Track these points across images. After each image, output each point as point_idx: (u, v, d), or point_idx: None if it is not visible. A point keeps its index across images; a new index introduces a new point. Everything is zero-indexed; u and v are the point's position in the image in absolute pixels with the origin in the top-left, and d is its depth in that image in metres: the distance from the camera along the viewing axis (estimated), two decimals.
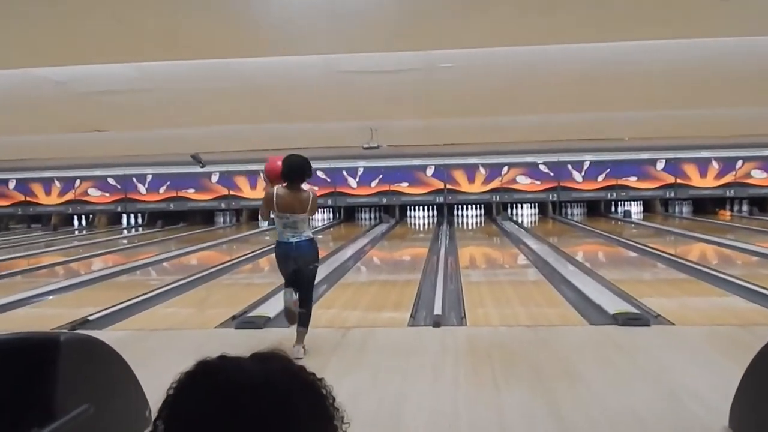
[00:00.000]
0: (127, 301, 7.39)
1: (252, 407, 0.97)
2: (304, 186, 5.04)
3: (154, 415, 1.03)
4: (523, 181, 19.03)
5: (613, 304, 6.50)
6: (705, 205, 19.04)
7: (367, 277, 9.62)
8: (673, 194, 18.87)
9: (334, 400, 1.06)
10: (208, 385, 0.99)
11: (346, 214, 19.81)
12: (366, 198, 19.35)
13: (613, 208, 19.72)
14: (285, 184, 5.01)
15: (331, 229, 18.12)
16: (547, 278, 8.48)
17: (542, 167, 18.96)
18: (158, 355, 4.99)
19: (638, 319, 5.90)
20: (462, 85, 7.76)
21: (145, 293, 7.89)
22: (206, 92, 7.93)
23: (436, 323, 5.98)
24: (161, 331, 6.03)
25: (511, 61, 6.92)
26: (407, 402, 3.99)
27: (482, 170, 19.06)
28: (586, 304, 6.79)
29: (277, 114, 9.58)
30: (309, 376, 1.06)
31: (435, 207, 19.63)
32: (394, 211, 19.53)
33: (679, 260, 9.76)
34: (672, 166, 18.71)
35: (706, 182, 18.70)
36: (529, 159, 18.85)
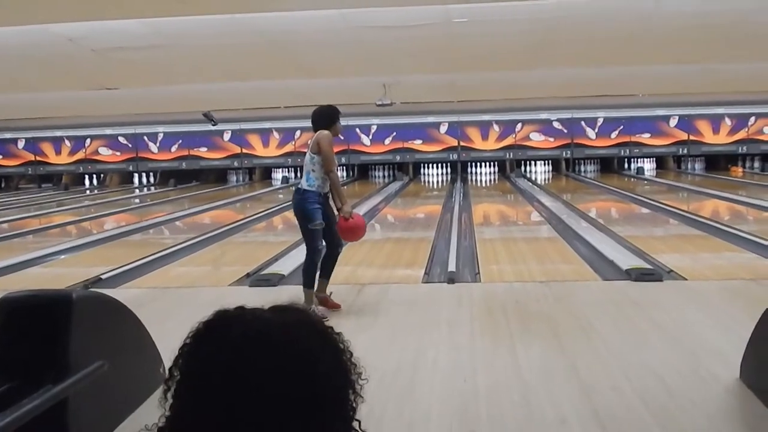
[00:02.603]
0: (140, 259, 7.41)
1: (271, 355, 0.95)
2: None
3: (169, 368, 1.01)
4: (537, 138, 18.86)
5: (627, 260, 6.47)
6: (717, 162, 18.84)
7: (382, 235, 9.62)
8: (685, 151, 18.66)
9: (351, 355, 1.04)
10: (226, 333, 0.97)
11: (360, 171, 19.76)
12: (379, 156, 19.26)
13: (626, 165, 19.55)
14: None
15: (345, 187, 18.06)
16: (561, 235, 8.45)
17: (556, 124, 18.75)
18: (172, 313, 5.01)
19: (651, 274, 5.87)
20: (480, 40, 7.60)
21: (159, 252, 7.91)
22: (219, 48, 7.82)
23: (451, 279, 5.97)
24: (174, 289, 6.05)
25: (529, 16, 6.75)
26: (423, 358, 3.98)
27: (496, 127, 18.88)
28: (600, 259, 6.77)
29: (291, 69, 9.45)
30: (327, 329, 1.04)
31: (449, 164, 19.54)
32: (407, 168, 19.46)
33: (692, 216, 9.69)
34: (685, 122, 18.45)
35: (718, 139, 18.46)
36: (543, 116, 18.64)
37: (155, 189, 19.47)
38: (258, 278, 6.26)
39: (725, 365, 3.60)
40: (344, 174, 19.85)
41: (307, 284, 5.02)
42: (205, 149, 19.75)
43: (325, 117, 4.93)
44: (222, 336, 0.97)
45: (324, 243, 4.99)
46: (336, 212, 5.02)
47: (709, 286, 5.54)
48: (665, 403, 3.20)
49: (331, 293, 5.15)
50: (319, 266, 5.03)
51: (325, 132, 4.87)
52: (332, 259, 5.07)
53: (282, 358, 0.95)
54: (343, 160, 19.16)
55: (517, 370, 3.70)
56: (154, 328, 3.38)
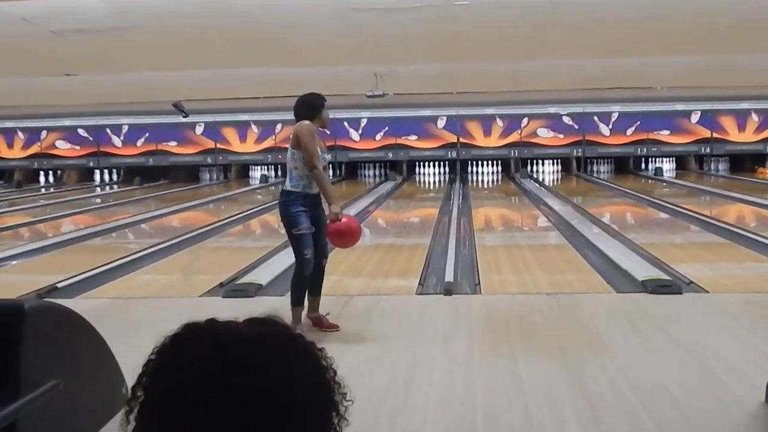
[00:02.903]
0: (101, 266, 7.38)
1: (245, 371, 0.95)
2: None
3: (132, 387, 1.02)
4: (545, 135, 18.92)
5: (642, 270, 6.50)
6: (743, 162, 18.95)
7: (372, 241, 9.61)
8: (708, 150, 18.76)
9: (335, 373, 1.04)
10: (195, 348, 0.97)
11: (348, 170, 19.76)
12: (370, 152, 19.27)
13: (643, 165, 19.64)
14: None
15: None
16: (570, 242, 8.48)
17: (566, 119, 18.82)
18: (136, 327, 5.00)
19: (669, 286, 5.91)
20: (482, 26, 7.63)
21: (122, 258, 7.89)
22: (192, 31, 7.81)
23: (448, 291, 5.99)
24: (139, 300, 6.03)
25: (536, 0, 6.78)
26: (417, 377, 3.99)
27: (499, 122, 18.93)
28: (613, 270, 6.80)
29: (273, 56, 9.46)
30: (309, 344, 1.04)
31: (447, 163, 19.56)
32: (401, 167, 19.47)
33: (715, 222, 9.74)
34: (708, 118, 18.55)
35: (744, 137, 18.57)
36: (551, 110, 18.70)
37: (119, 188, 19.39)
38: (233, 288, 6.24)
39: (749, 388, 3.62)
40: (330, 173, 19.82)
41: (294, 301, 4.84)
42: (174, 144, 19.69)
43: (308, 106, 4.81)
44: (191, 351, 0.97)
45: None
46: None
47: (732, 299, 5.58)
48: (681, 428, 3.23)
49: (327, 314, 5.02)
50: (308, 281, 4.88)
51: (305, 122, 4.75)
52: (318, 271, 4.93)
53: (257, 375, 0.95)
54: (330, 157, 19.16)
55: (519, 391, 3.72)
56: (116, 343, 3.37)
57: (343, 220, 4.82)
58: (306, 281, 4.85)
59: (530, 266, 7.13)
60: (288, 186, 4.81)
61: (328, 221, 4.82)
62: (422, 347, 4.53)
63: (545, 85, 14.05)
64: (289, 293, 5.02)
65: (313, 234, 4.78)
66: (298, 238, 4.75)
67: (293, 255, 4.88)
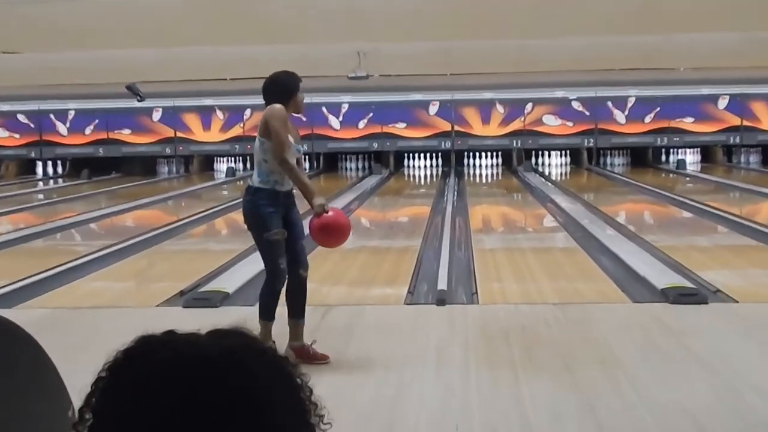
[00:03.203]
0: (44, 271, 7.34)
1: (208, 389, 0.94)
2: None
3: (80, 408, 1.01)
4: (552, 122, 18.96)
5: (663, 277, 6.53)
6: None
7: (354, 243, 9.57)
8: (738, 140, 18.87)
9: (311, 392, 1.04)
10: (151, 363, 0.97)
11: (327, 162, 19.74)
12: (352, 142, 19.25)
13: (663, 157, 19.73)
14: None
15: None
16: (580, 245, 8.52)
17: (576, 104, 18.88)
18: (84, 341, 4.98)
19: (693, 295, 5.94)
20: None
21: (68, 262, 7.85)
22: (149, 3, 7.78)
23: (441, 300, 6.00)
24: (87, 311, 6.02)
25: None
26: (405, 399, 4.01)
27: (500, 108, 18.96)
28: (629, 276, 6.84)
29: (241, 32, 9.44)
30: (281, 359, 1.04)
31: (440, 154, 19.58)
32: (387, 159, 19.46)
33: (745, 222, 9.80)
34: (737, 104, 18.65)
35: None
36: (559, 94, 18.75)
37: (64, 182, 19.28)
38: (195, 297, 6.23)
39: None
40: (307, 165, 19.81)
41: (264, 314, 4.61)
42: (128, 132, 19.60)
43: (281, 87, 4.63)
44: (146, 367, 0.97)
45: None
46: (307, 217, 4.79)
47: (764, 311, 5.62)
48: None
49: (314, 342, 4.71)
50: (280, 296, 4.65)
51: (276, 106, 4.54)
52: (298, 286, 4.71)
53: (222, 395, 0.95)
54: (306, 147, 19.11)
55: (521, 415, 3.73)
56: (61, 359, 3.36)
57: (330, 213, 4.63)
58: (278, 294, 4.65)
59: (534, 272, 7.15)
60: (256, 182, 4.61)
61: (310, 218, 4.64)
62: (411, 364, 4.54)
63: (552, 65, 14.09)
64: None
65: (287, 240, 4.60)
66: (271, 245, 4.56)
67: (265, 262, 4.66)
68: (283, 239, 4.59)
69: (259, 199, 4.58)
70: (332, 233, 4.70)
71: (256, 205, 4.58)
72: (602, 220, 10.39)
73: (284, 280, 4.66)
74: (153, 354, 0.99)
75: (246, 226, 4.72)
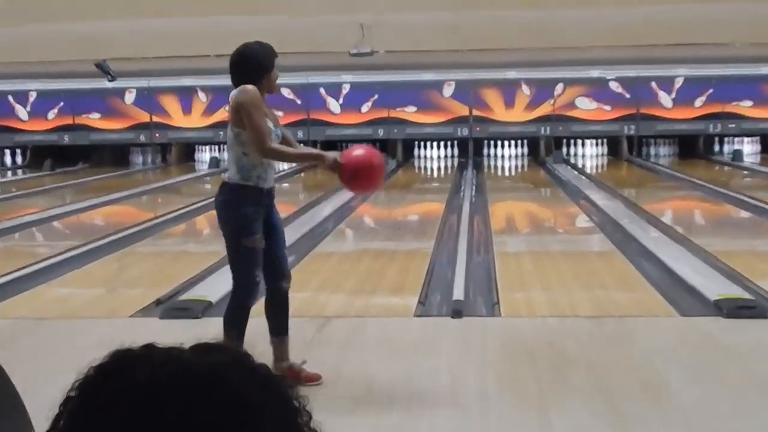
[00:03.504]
0: (1, 276, 7.35)
1: (191, 410, 0.95)
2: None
3: None
4: (586, 106, 18.93)
5: (716, 287, 6.51)
6: None
7: (356, 246, 9.61)
8: None
9: (310, 417, 1.04)
10: (128, 382, 0.97)
11: (325, 152, 19.69)
12: (354, 129, 19.24)
13: (717, 147, 19.68)
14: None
15: (302, 174, 18.03)
16: (619, 248, 8.50)
17: (614, 85, 18.83)
18: (47, 355, 4.99)
19: (752, 308, 5.92)
20: None
21: (28, 266, 7.87)
22: None
23: (456, 312, 5.99)
24: (51, 321, 6.03)
25: None
26: (413, 428, 4.00)
27: (526, 89, 18.93)
28: (677, 286, 6.81)
29: (227, 1, 9.45)
30: (275, 378, 1.04)
31: (455, 143, 19.56)
32: (394, 148, 19.45)
33: None
34: None
35: None
36: (594, 73, 18.71)
37: (24, 173, 19.32)
38: (173, 307, 6.24)
39: None
40: None
41: (231, 337, 4.54)
42: (97, 116, 19.63)
43: (252, 63, 4.52)
44: (122, 386, 0.97)
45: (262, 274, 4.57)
46: (279, 222, 4.70)
47: None
48: None
49: (304, 362, 4.71)
50: (248, 314, 4.55)
51: (248, 88, 4.44)
52: (280, 300, 4.69)
53: (207, 417, 0.95)
54: (300, 134, 19.12)
55: None
56: (21, 375, 3.37)
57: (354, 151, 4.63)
58: (248, 313, 4.57)
59: (565, 280, 7.14)
60: (235, 178, 4.51)
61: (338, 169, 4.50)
62: (421, 387, 4.54)
63: (586, 39, 14.07)
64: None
65: (268, 247, 4.56)
66: (249, 254, 4.50)
67: (237, 275, 4.59)
68: (261, 247, 4.54)
69: (239, 198, 4.50)
70: (366, 170, 4.62)
71: (236, 205, 4.49)
72: (645, 219, 10.35)
73: (257, 295, 4.60)
74: (129, 371, 0.99)
75: (221, 230, 4.64)
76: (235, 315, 4.56)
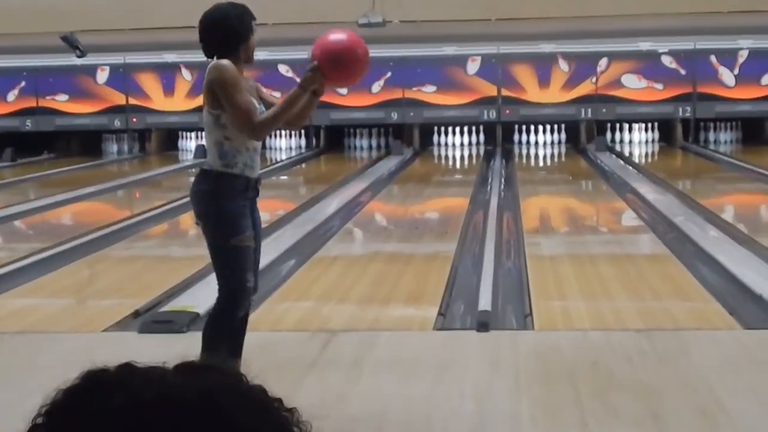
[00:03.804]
0: None
1: None
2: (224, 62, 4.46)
3: None
4: (634, 85, 18.90)
5: None
6: None
7: (365, 248, 9.61)
8: None
9: None
10: (102, 409, 0.97)
11: (330, 139, 19.76)
12: (363, 112, 19.26)
13: None
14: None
15: (304, 165, 18.05)
16: (672, 250, 8.49)
17: (667, 60, 18.80)
18: (5, 376, 4.99)
19: None
20: None
21: None
22: None
23: (483, 325, 5.99)
24: (11, 336, 6.04)
25: None
26: None
27: (563, 65, 18.91)
28: (740, 294, 6.80)
29: None
30: (272, 402, 1.05)
31: (482, 128, 19.55)
32: (410, 134, 19.45)
33: None
34: None
35: None
36: (644, 46, 18.68)
37: None
38: (154, 319, 6.26)
39: None
40: (303, 143, 19.83)
41: (228, 353, 4.48)
42: (65, 98, 19.70)
43: (225, 30, 4.46)
44: (95, 412, 0.97)
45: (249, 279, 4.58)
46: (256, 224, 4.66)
47: None
48: None
49: None
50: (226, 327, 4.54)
51: (223, 64, 4.42)
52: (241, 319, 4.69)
53: None
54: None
55: None
56: None
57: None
58: (238, 325, 4.59)
59: (610, 288, 7.13)
60: (217, 164, 4.51)
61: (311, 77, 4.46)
62: (442, 412, 4.54)
63: (633, 5, 14.03)
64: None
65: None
66: (238, 255, 4.53)
67: (225, 279, 4.58)
68: (251, 246, 4.55)
69: (224, 189, 4.49)
70: (347, 53, 4.62)
71: (221, 197, 4.48)
72: (702, 217, 10.34)
73: (248, 303, 4.62)
74: (104, 395, 0.99)
75: (201, 226, 4.63)
76: (222, 328, 4.55)
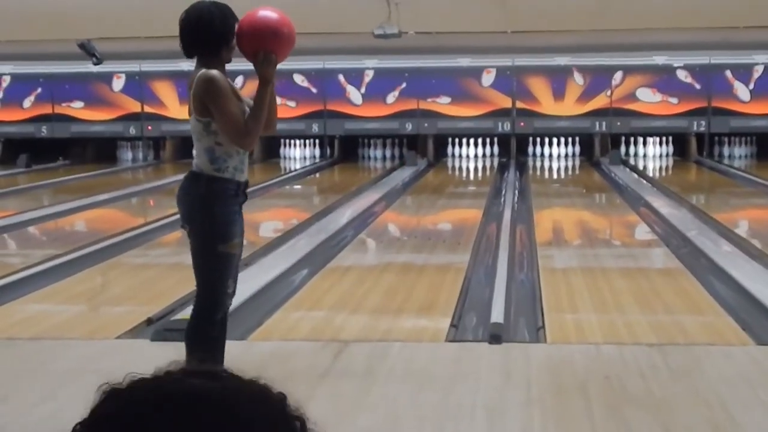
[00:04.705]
0: None
1: None
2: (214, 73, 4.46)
3: None
4: (649, 99, 18.88)
5: None
6: None
7: (378, 258, 9.61)
8: None
9: None
10: (147, 414, 0.99)
11: (344, 149, 19.78)
12: (377, 122, 19.28)
13: None
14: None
15: (318, 174, 18.07)
16: (686, 264, 8.48)
17: (682, 74, 18.78)
18: (18, 383, 5.01)
19: None
20: None
21: None
22: None
23: (495, 337, 5.98)
24: (25, 343, 6.05)
25: None
26: None
27: (578, 78, 18.91)
28: (755, 309, 6.78)
29: None
30: (291, 411, 1.06)
31: (496, 140, 19.56)
32: (425, 145, 19.47)
33: None
34: None
35: None
36: (659, 60, 18.66)
37: None
38: (167, 327, 6.24)
39: None
40: (317, 153, 19.84)
41: (213, 356, 4.49)
42: (80, 105, 19.77)
43: (205, 31, 4.44)
44: (138, 422, 0.99)
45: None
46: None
47: None
48: None
49: None
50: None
51: (211, 76, 4.42)
52: (222, 319, 4.71)
53: None
54: (316, 128, 19.16)
55: None
56: None
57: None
58: (220, 331, 4.62)
59: (623, 301, 7.11)
60: (208, 168, 4.52)
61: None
62: (454, 424, 4.53)
63: (648, 20, 14.02)
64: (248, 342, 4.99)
65: None
66: (224, 261, 4.53)
67: (206, 284, 4.58)
68: (239, 253, 4.57)
69: (216, 194, 4.50)
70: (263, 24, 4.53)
71: (213, 202, 4.49)
72: (716, 231, 10.32)
73: (227, 306, 4.62)
74: (137, 419, 1.00)
75: (187, 230, 4.61)
76: (203, 333, 4.56)
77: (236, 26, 4.47)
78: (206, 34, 4.44)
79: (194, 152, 4.64)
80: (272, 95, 4.58)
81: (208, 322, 4.57)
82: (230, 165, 4.49)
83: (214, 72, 4.40)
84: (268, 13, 4.53)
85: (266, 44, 4.46)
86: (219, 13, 4.44)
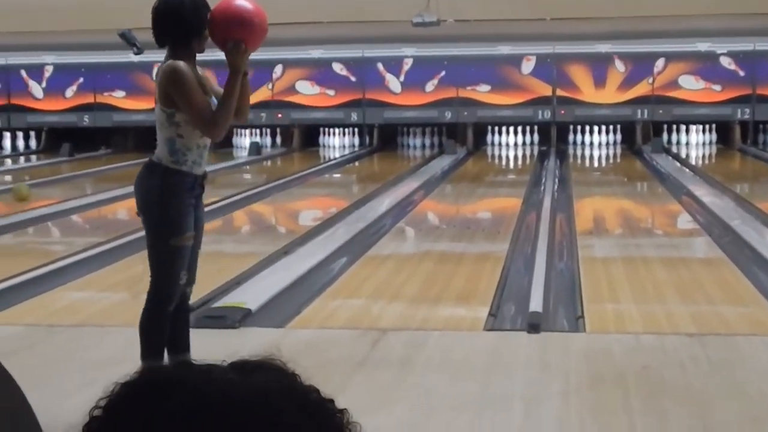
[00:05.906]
0: (11, 278, 7.46)
1: None
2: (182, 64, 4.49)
3: None
4: (692, 86, 18.73)
5: None
6: None
7: (417, 247, 9.61)
8: None
9: None
10: (161, 403, 0.99)
11: (383, 138, 19.77)
12: (416, 111, 19.25)
13: None
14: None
15: (357, 163, 18.09)
16: (728, 255, 8.41)
17: (726, 61, 18.60)
18: (63, 367, 5.06)
19: None
20: None
21: (41, 266, 7.98)
22: None
23: (534, 326, 5.98)
24: (67, 329, 6.12)
25: None
26: None
27: (619, 65, 18.79)
28: None
29: None
30: (327, 404, 1.06)
31: (536, 128, 19.48)
32: (464, 134, 19.43)
33: None
34: None
35: None
36: (702, 47, 18.50)
37: (38, 159, 19.62)
38: (206, 315, 6.30)
39: None
40: (356, 141, 19.85)
41: (151, 354, 4.48)
42: (122, 94, 19.89)
43: (177, 22, 4.45)
44: (155, 408, 0.99)
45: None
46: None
47: None
48: None
49: None
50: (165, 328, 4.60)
51: (177, 67, 4.44)
52: (183, 306, 4.74)
53: None
54: (354, 116, 19.16)
55: None
56: (33, 389, 3.44)
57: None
58: (166, 323, 4.59)
59: (664, 292, 7.08)
60: (166, 159, 4.56)
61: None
62: (491, 413, 4.54)
63: (691, 6, 13.91)
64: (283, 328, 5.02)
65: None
66: (176, 253, 4.55)
67: (158, 275, 4.62)
68: (189, 245, 4.59)
69: (172, 186, 4.52)
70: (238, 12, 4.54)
71: (169, 195, 4.51)
72: (760, 221, 10.23)
73: (176, 302, 4.62)
74: (164, 392, 1.00)
75: (142, 217, 4.64)
76: (155, 323, 4.58)
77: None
78: (176, 24, 4.45)
79: (157, 141, 4.67)
80: (245, 85, 4.59)
81: (159, 313, 4.58)
82: (189, 158, 4.53)
83: (180, 63, 4.41)
84: (239, 3, 4.54)
85: (236, 33, 4.49)
86: (191, 4, 4.44)
